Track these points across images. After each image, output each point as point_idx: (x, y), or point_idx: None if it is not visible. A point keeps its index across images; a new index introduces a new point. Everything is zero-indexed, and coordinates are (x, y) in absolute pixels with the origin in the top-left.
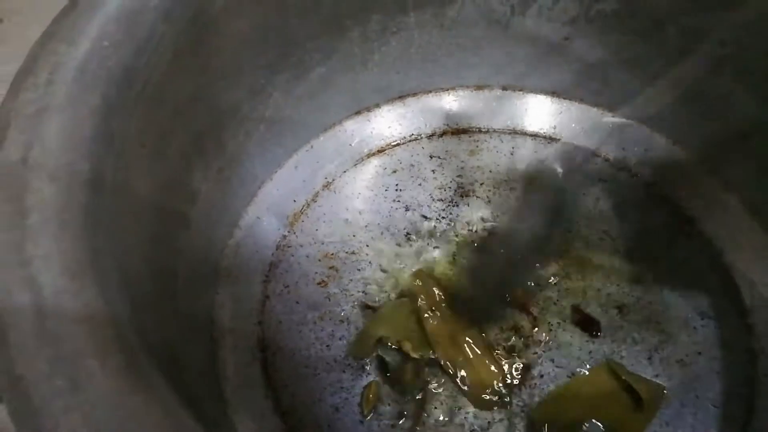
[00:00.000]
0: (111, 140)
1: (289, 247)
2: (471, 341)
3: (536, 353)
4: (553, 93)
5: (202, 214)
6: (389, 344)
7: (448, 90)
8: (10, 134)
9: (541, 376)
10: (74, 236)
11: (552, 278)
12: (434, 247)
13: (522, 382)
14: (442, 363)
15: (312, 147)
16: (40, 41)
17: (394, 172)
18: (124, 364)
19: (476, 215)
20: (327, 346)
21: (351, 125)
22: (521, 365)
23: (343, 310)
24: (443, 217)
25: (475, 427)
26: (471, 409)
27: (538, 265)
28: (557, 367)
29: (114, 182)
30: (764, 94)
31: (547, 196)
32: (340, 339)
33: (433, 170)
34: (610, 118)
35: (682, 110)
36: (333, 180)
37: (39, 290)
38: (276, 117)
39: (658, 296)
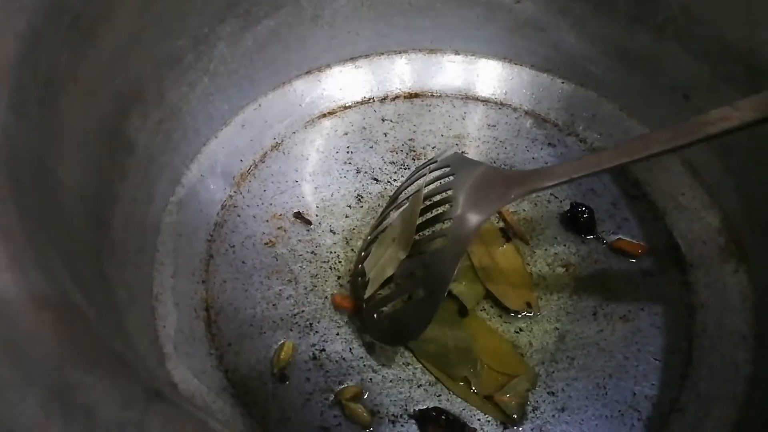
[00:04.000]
0: (36, 68)
1: (235, 207)
2: None
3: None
4: (505, 58)
5: (141, 166)
6: None
7: (400, 53)
8: None
9: None
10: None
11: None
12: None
13: None
14: None
15: (260, 105)
16: None
17: (346, 134)
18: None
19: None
20: (273, 305)
21: (301, 85)
22: None
23: (291, 269)
24: (395, 180)
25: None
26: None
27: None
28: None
29: (39, 113)
30: (704, 56)
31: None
32: (287, 298)
33: (385, 133)
34: (559, 84)
35: (628, 76)
36: (282, 140)
37: None
38: (221, 70)
39: (603, 255)
